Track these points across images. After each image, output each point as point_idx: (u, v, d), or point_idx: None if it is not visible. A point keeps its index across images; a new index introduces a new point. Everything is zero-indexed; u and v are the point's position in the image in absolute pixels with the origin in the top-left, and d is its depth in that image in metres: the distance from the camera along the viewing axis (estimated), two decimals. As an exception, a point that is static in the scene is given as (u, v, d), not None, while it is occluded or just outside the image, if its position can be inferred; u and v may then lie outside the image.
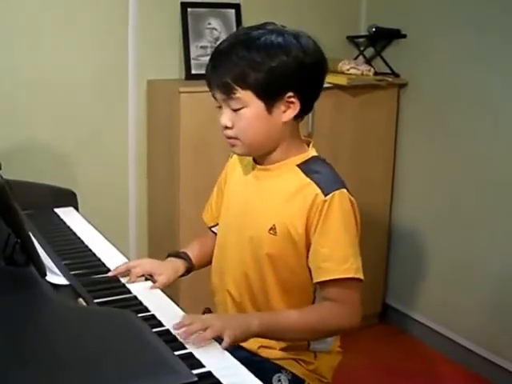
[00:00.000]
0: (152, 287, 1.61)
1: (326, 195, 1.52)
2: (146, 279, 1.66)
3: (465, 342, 2.92)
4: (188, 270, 1.76)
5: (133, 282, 1.62)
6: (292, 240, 1.56)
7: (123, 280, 1.63)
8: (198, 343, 1.30)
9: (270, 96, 1.51)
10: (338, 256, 1.52)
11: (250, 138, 1.55)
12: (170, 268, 1.71)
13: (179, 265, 1.74)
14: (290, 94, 1.52)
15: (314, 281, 1.55)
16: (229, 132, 1.56)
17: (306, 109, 1.58)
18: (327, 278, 1.52)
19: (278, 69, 1.49)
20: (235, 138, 1.56)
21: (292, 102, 1.53)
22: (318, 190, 1.53)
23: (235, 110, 1.53)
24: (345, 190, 1.55)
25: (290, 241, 1.56)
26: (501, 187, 2.72)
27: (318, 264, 1.53)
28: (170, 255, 1.78)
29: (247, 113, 1.52)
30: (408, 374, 2.91)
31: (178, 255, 1.77)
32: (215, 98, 1.57)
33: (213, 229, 1.81)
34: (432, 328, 3.09)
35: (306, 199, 1.53)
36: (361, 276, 1.53)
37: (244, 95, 1.51)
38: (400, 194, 3.22)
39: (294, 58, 1.50)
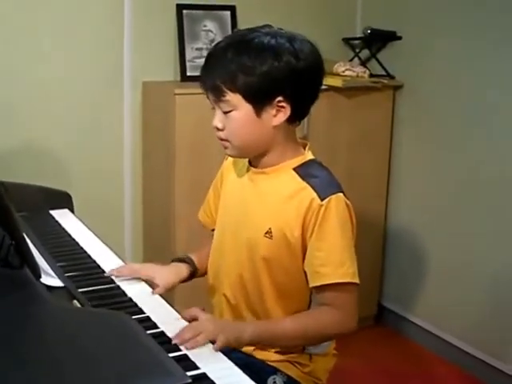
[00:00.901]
0: (152, 292, 1.60)
1: (322, 199, 1.52)
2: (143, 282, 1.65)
3: (461, 344, 2.92)
4: (192, 274, 1.74)
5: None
6: (288, 243, 1.55)
7: (118, 282, 1.62)
8: (191, 348, 1.30)
9: (258, 100, 1.51)
10: (334, 260, 1.51)
11: (239, 140, 1.55)
12: (171, 272, 1.70)
13: (182, 269, 1.73)
14: (280, 98, 1.51)
15: (311, 285, 1.55)
16: (220, 134, 1.57)
17: (299, 113, 1.57)
18: (324, 283, 1.51)
19: (267, 74, 1.49)
20: (226, 140, 1.57)
21: (282, 107, 1.52)
22: (314, 194, 1.53)
23: (225, 113, 1.53)
24: (341, 194, 1.55)
25: (285, 244, 1.56)
26: (496, 189, 2.72)
27: (315, 268, 1.53)
28: (173, 260, 1.77)
29: (236, 115, 1.52)
30: (404, 375, 2.92)
31: (181, 259, 1.76)
32: (209, 99, 1.58)
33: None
34: (428, 330, 3.09)
35: (302, 203, 1.53)
36: (357, 280, 1.53)
37: (233, 98, 1.51)
38: (396, 196, 3.22)
39: (285, 63, 1.49)
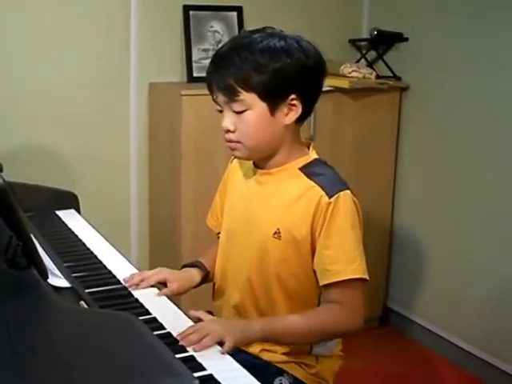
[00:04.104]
0: (160, 293, 1.59)
1: (330, 197, 1.52)
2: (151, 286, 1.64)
3: (466, 346, 2.91)
4: (204, 278, 1.74)
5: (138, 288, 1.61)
6: (296, 244, 1.55)
7: (126, 284, 1.62)
8: (199, 351, 1.29)
9: (273, 98, 1.51)
10: (345, 257, 1.51)
11: (252, 141, 1.55)
12: (185, 277, 1.70)
13: (195, 274, 1.72)
14: (293, 96, 1.52)
15: (321, 283, 1.54)
16: (231, 135, 1.55)
17: (307, 112, 1.58)
18: (335, 280, 1.51)
19: (281, 71, 1.50)
20: (237, 142, 1.55)
21: (294, 105, 1.53)
22: (322, 192, 1.53)
23: (238, 113, 1.52)
24: (348, 191, 1.55)
25: (294, 245, 1.56)
26: (502, 190, 2.72)
27: (325, 266, 1.52)
28: (184, 266, 1.77)
29: (251, 115, 1.52)
30: (409, 377, 2.91)
31: (192, 265, 1.75)
32: (216, 102, 1.57)
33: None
34: (433, 331, 3.08)
35: (310, 202, 1.53)
36: (367, 276, 1.53)
37: (248, 97, 1.50)
38: (401, 198, 3.22)
39: (296, 61, 1.51)
